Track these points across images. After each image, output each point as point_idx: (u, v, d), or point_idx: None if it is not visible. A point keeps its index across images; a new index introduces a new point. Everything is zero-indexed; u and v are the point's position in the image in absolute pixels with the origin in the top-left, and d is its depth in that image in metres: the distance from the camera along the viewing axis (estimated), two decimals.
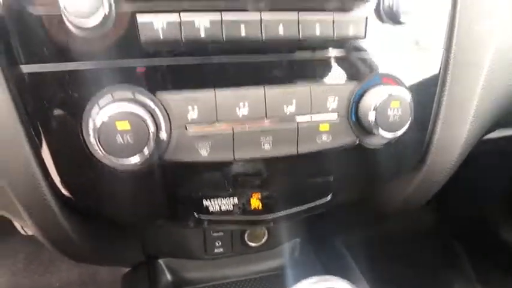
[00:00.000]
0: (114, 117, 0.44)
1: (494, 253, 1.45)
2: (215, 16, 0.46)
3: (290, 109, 0.51)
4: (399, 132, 0.54)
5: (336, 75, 0.52)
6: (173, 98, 0.48)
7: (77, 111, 0.47)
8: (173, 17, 0.45)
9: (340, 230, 0.95)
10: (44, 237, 0.59)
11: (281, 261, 0.94)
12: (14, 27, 0.44)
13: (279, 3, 0.48)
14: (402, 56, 0.55)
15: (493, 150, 0.99)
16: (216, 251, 0.88)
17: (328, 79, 0.52)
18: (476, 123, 0.61)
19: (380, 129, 0.52)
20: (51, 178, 0.50)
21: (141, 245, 0.87)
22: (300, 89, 0.51)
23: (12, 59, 0.45)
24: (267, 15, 0.47)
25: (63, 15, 0.43)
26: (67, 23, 0.44)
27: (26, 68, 0.45)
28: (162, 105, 0.48)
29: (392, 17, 0.51)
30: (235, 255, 0.90)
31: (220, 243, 0.87)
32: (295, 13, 0.48)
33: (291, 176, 0.56)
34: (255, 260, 0.93)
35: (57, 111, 0.47)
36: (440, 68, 0.57)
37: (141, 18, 0.45)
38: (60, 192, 0.51)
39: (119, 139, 0.44)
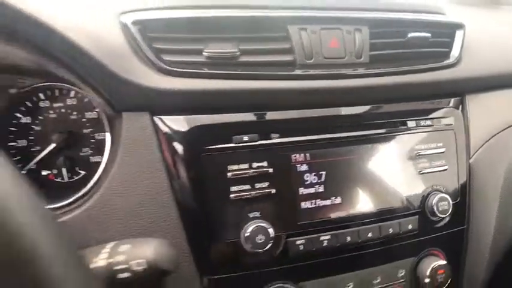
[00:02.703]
0: None
1: None
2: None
3: (377, 281, 0.79)
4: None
5: (401, 256, 0.82)
6: (306, 284, 0.75)
7: None
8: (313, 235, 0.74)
9: None
10: None
11: None
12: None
13: None
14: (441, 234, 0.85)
15: None
16: None
17: (397, 258, 0.81)
18: None
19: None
20: None
21: None
22: (383, 268, 0.80)
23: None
24: None
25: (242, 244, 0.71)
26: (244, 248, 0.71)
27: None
28: None
29: (433, 214, 0.82)
30: None
31: None
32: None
33: None
34: None
35: None
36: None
37: (289, 239, 0.73)
38: None
39: None
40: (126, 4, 0.73)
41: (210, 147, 0.72)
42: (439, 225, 0.84)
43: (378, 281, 0.79)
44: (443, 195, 0.81)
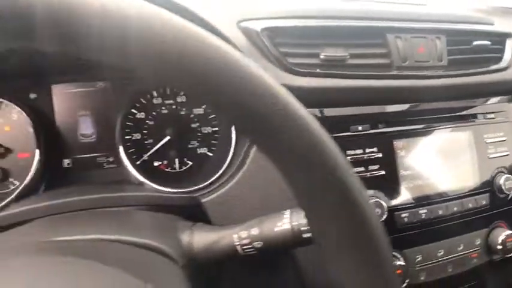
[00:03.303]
0: None
1: None
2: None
3: (460, 249, 0.94)
4: None
5: (477, 227, 0.97)
6: (408, 251, 0.89)
7: None
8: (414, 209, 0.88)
9: None
10: None
11: None
12: None
13: None
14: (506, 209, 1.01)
15: None
16: None
17: (474, 229, 0.97)
18: None
19: (505, 254, 0.97)
20: None
21: None
22: (464, 237, 0.95)
23: None
24: None
25: None
26: None
27: None
28: (404, 255, 0.89)
29: (501, 192, 0.98)
30: None
31: None
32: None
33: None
34: None
35: None
36: None
37: (396, 212, 0.87)
38: None
39: None
40: (241, 13, 0.85)
41: (332, 135, 0.84)
42: (504, 201, 1.00)
43: (461, 248, 0.95)
44: (508, 175, 0.98)
